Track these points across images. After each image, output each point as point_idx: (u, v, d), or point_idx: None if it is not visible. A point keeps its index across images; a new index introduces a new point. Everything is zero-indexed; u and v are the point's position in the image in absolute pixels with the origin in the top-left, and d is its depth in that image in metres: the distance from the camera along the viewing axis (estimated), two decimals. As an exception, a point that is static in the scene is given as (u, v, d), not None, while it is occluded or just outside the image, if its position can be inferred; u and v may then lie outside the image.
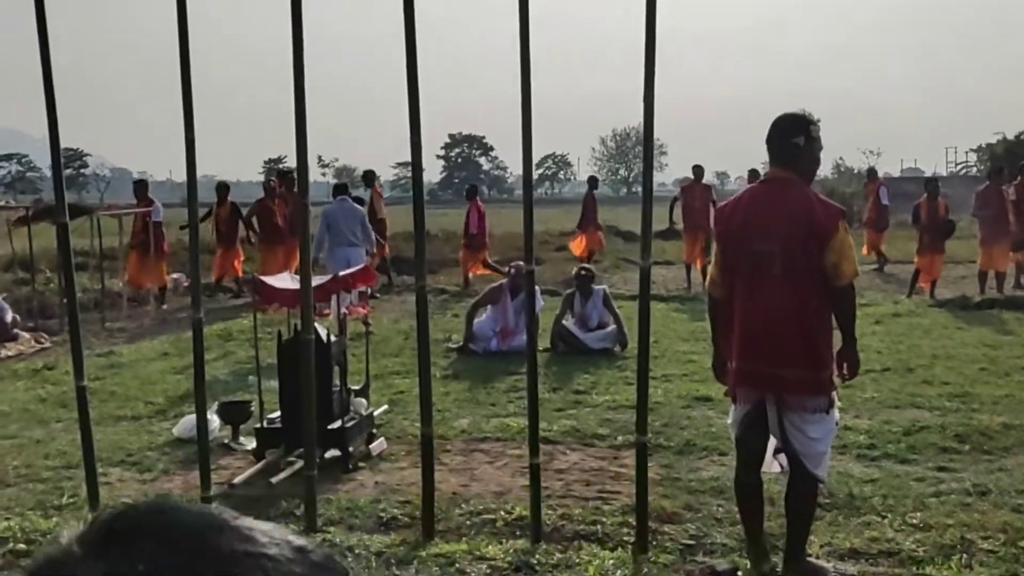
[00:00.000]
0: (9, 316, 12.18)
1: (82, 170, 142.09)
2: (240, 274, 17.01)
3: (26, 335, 11.83)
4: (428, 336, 4.75)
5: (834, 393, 4.42)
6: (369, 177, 17.92)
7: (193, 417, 6.95)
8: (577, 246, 20.45)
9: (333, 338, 6.47)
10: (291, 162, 16.98)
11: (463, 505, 5.55)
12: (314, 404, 5.09)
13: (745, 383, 4.49)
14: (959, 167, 64.51)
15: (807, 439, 4.37)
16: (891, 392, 8.23)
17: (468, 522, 5.29)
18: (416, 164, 4.57)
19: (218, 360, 10.69)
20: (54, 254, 14.95)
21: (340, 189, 14.89)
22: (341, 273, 6.74)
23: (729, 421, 4.68)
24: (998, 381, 8.64)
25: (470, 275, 18.08)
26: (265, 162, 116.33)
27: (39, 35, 4.78)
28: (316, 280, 6.64)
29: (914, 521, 5.17)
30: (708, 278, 4.70)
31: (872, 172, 21.57)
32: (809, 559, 4.49)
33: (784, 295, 4.31)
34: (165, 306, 15.74)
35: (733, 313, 4.49)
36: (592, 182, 21.92)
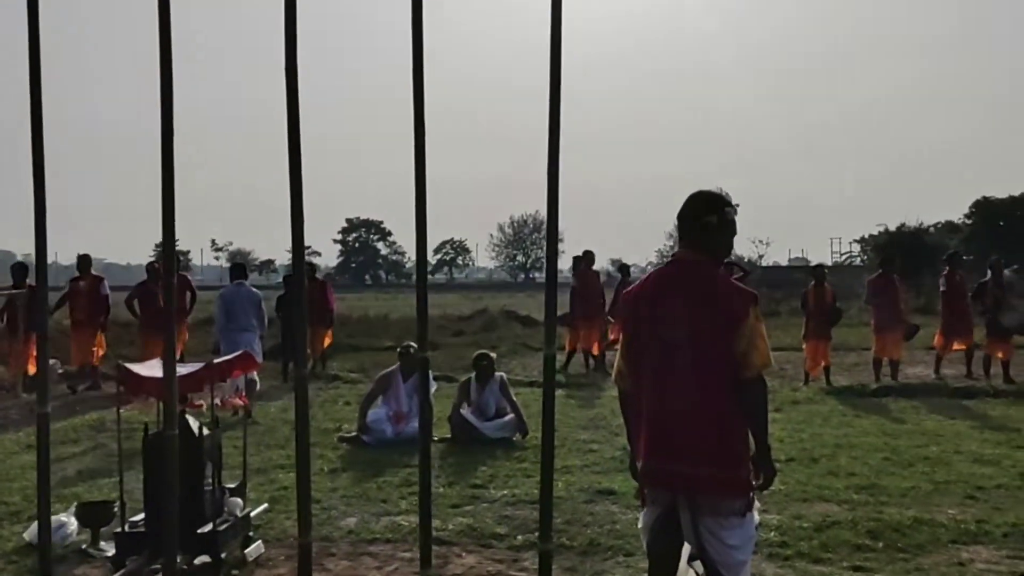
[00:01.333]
0: None
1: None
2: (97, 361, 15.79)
3: None
4: (307, 430, 4.27)
5: (753, 495, 4.06)
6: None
7: (51, 519, 6.27)
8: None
9: (206, 431, 5.90)
10: (181, 245, 16.23)
11: (346, 620, 5.00)
12: (177, 506, 4.52)
13: (655, 483, 4.11)
14: (844, 257, 66.62)
15: (724, 547, 3.99)
16: (798, 484, 7.96)
17: (351, 640, 4.74)
18: (298, 253, 4.15)
19: (86, 454, 9.92)
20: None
21: (237, 271, 14.15)
22: (216, 360, 6.19)
23: (639, 525, 4.28)
24: (903, 472, 8.47)
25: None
26: (156, 245, 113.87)
27: None
28: (188, 368, 6.09)
29: (835, 629, 4.82)
30: (615, 369, 4.34)
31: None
32: (729, 678, 4.07)
33: (695, 386, 3.96)
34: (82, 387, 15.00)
35: (640, 406, 4.13)
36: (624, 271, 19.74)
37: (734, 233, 4.20)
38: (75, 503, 6.89)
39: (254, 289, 13.88)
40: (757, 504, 4.09)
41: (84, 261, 15.97)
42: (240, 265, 14.58)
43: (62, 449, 10.09)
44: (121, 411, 6.34)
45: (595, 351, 17.21)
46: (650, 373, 4.07)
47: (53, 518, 6.36)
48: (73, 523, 6.56)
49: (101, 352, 15.70)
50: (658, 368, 4.04)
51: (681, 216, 4.16)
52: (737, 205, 4.29)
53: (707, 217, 4.08)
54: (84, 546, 6.40)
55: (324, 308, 17.08)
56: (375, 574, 5.90)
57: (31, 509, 7.38)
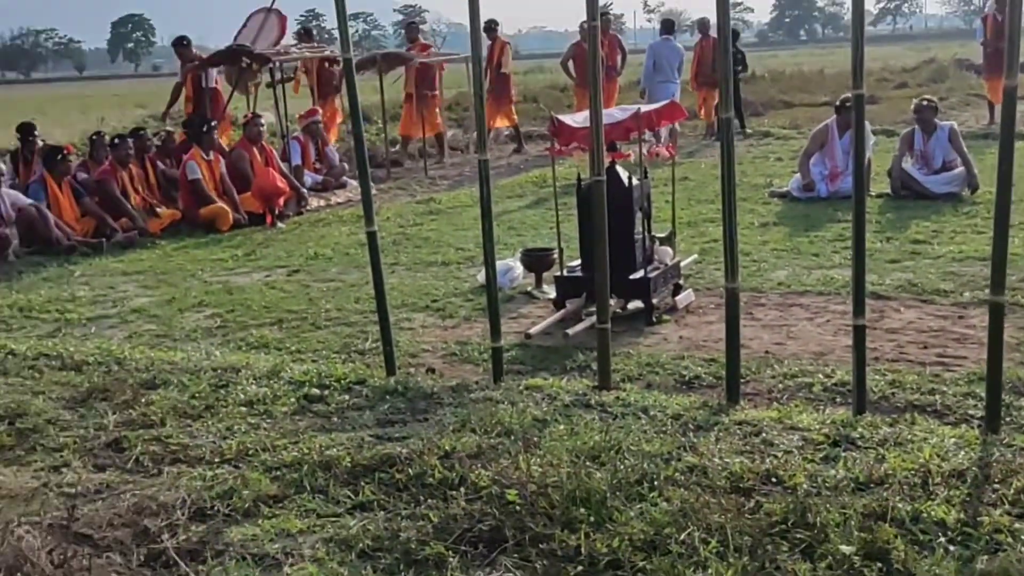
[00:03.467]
0: (336, 160, 12.81)
1: (420, 26, 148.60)
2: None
3: (354, 183, 12.26)
4: (733, 172, 4.14)
5: None
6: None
7: (499, 264, 6.80)
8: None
9: (635, 181, 5.98)
10: (615, 8, 16.54)
11: (775, 366, 4.98)
12: (606, 251, 4.66)
13: None
14: None
15: None
16: None
17: (780, 385, 4.72)
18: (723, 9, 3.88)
19: (530, 207, 10.57)
20: (383, 104, 15.34)
21: (667, 27, 15.33)
22: (643, 108, 6.17)
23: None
24: None
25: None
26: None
27: None
28: (614, 116, 6.15)
29: None
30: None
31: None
32: None
33: None
34: (447, 159, 15.47)
35: None
36: None
37: None
38: (520, 249, 7.40)
39: (678, 44, 14.71)
40: None
41: (490, 24, 16.21)
42: (668, 20, 15.77)
43: (508, 203, 10.85)
44: (558, 163, 6.63)
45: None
46: None
47: (501, 263, 6.91)
48: (519, 267, 7.07)
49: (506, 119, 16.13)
50: None
51: None
52: None
53: None
54: (529, 288, 6.90)
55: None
56: (806, 324, 5.79)
57: (482, 255, 8.08)
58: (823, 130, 10.42)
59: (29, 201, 9.50)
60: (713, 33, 17.31)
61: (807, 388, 4.65)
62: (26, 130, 11.11)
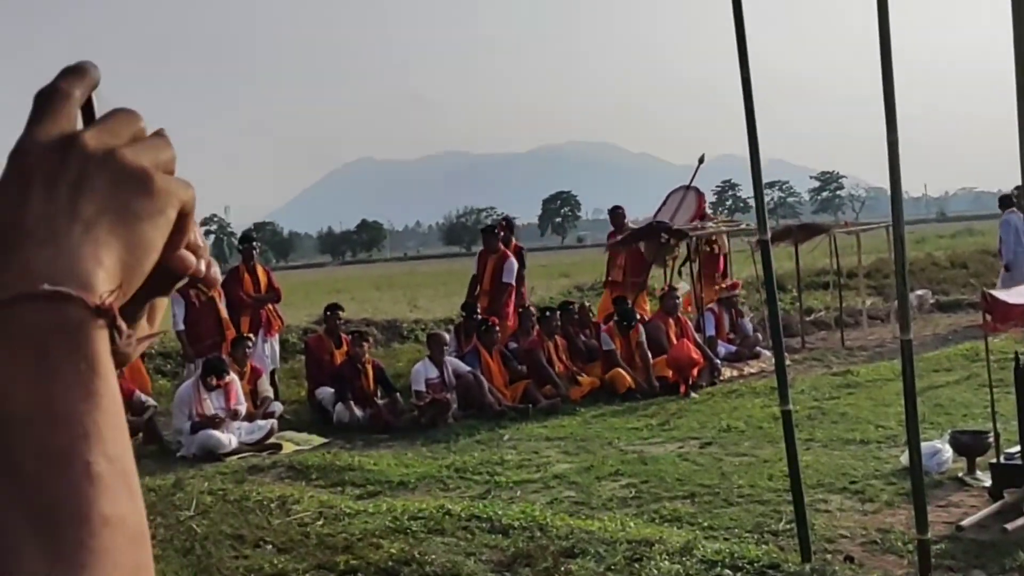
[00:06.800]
0: (751, 330, 12.79)
1: (838, 192, 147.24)
2: None
3: (768, 353, 12.17)
4: None
5: None
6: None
7: (925, 445, 6.39)
8: None
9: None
10: None
11: None
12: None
13: None
14: None
15: None
16: None
17: None
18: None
19: (960, 383, 9.86)
20: (798, 273, 15.25)
21: (1006, 202, 15.16)
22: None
23: None
24: None
25: None
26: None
27: (740, 66, 4.75)
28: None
29: None
30: None
31: None
32: None
33: None
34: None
35: None
36: None
37: None
38: (949, 430, 6.90)
39: None
40: None
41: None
42: (1006, 196, 15.35)
43: (935, 377, 10.20)
44: (991, 339, 6.20)
45: None
46: None
47: (928, 444, 6.51)
48: (947, 450, 6.58)
49: None
50: None
51: None
52: None
53: None
54: (960, 474, 6.39)
55: None
56: None
57: (905, 435, 7.62)
58: None
59: (467, 369, 10.42)
60: None
61: None
62: (470, 309, 12.00)
